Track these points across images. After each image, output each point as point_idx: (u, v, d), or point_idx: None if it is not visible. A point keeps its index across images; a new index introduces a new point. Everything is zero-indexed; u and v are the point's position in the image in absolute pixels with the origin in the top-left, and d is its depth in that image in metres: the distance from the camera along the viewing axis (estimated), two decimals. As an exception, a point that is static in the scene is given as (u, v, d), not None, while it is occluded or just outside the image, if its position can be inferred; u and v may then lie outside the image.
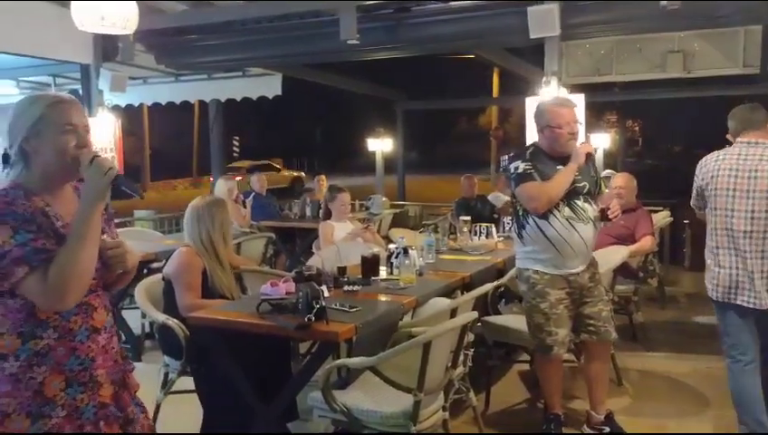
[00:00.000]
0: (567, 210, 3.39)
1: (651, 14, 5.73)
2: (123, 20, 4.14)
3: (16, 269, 1.67)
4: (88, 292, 1.82)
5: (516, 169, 3.43)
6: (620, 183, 5.23)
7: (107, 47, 6.60)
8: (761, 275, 3.12)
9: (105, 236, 1.90)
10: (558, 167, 3.42)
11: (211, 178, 11.68)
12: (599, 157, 9.38)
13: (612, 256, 4.32)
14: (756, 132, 3.23)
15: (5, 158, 1.84)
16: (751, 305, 3.16)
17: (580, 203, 3.43)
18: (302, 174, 28.01)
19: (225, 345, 3.06)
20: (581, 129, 3.84)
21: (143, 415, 2.00)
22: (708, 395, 4.22)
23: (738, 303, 3.20)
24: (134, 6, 4.23)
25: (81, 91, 7.09)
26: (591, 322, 3.53)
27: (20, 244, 1.68)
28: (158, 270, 3.69)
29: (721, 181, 3.24)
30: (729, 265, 3.22)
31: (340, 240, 5.04)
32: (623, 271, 4.73)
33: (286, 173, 27.33)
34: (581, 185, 3.44)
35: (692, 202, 3.50)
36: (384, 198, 9.93)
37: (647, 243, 5.05)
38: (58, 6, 5.91)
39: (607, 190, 3.94)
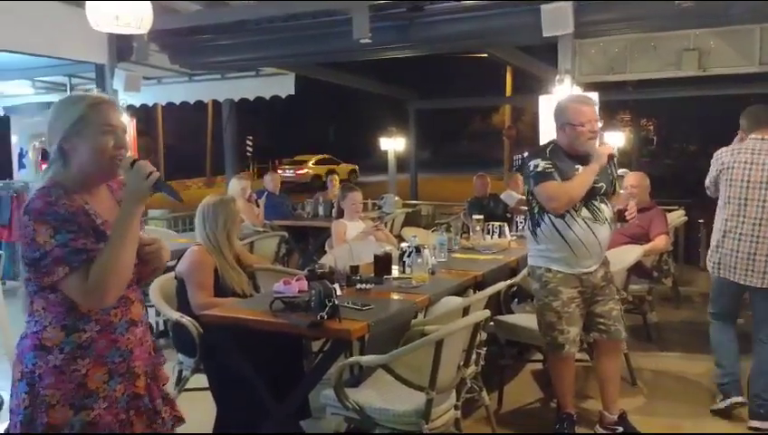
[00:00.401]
0: (584, 211, 3.37)
1: (665, 12, 5.70)
2: (137, 20, 4.18)
3: (57, 269, 1.72)
4: (126, 286, 1.88)
5: (536, 166, 3.39)
6: (633, 182, 5.20)
7: (121, 47, 6.64)
8: (763, 257, 3.56)
9: (142, 233, 1.95)
10: (576, 166, 3.40)
11: (225, 178, 11.73)
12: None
13: (626, 255, 4.30)
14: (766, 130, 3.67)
15: (45, 155, 1.87)
16: (748, 283, 3.62)
17: (596, 204, 3.41)
18: (356, 166, 30.25)
19: (238, 343, 3.07)
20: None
21: (169, 407, 2.05)
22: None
23: (735, 280, 3.67)
24: (148, 6, 4.26)
25: (96, 91, 7.15)
26: (602, 320, 3.52)
27: (60, 244, 1.72)
28: (172, 268, 3.71)
29: (736, 173, 3.65)
30: (733, 248, 3.65)
31: (353, 239, 5.05)
32: (637, 270, 4.71)
33: (344, 166, 29.47)
34: (599, 186, 3.42)
35: (706, 183, 3.90)
36: (396, 198, 9.93)
37: (661, 242, 5.02)
38: (73, 7, 5.95)
39: (622, 191, 3.93)
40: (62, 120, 1.85)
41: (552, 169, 3.35)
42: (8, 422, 1.86)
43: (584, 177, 3.35)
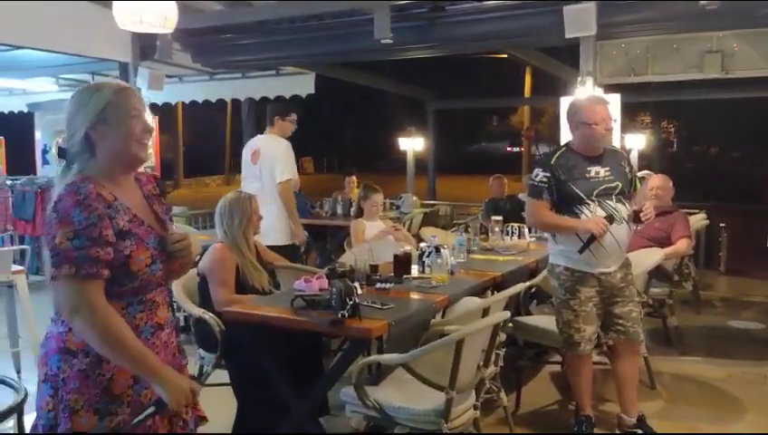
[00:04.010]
0: (599, 210, 3.37)
1: (689, 13, 5.64)
2: (162, 19, 4.22)
3: (63, 266, 1.69)
4: (152, 288, 1.87)
5: (535, 176, 3.48)
6: (657, 184, 5.17)
7: (145, 46, 6.72)
8: None
9: (173, 227, 1.95)
10: (589, 168, 3.41)
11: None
12: (633, 158, 9.25)
13: (648, 257, 4.28)
14: None
15: (62, 153, 1.86)
16: None
17: (612, 203, 3.40)
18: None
19: (258, 340, 3.10)
20: (616, 126, 3.82)
21: (191, 407, 2.00)
22: (744, 401, 4.15)
23: None
24: (174, 6, 4.31)
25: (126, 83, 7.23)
26: (621, 322, 3.51)
27: (76, 247, 1.70)
28: (194, 265, 3.75)
29: None
30: None
31: (372, 238, 5.07)
32: (658, 274, 4.68)
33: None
34: (613, 185, 3.42)
35: None
36: (414, 198, 9.92)
37: (682, 245, 4.99)
38: (99, 6, 6.04)
39: (641, 190, 3.91)
40: (86, 109, 1.81)
41: (546, 185, 3.42)
42: (35, 416, 1.85)
43: (564, 223, 3.43)
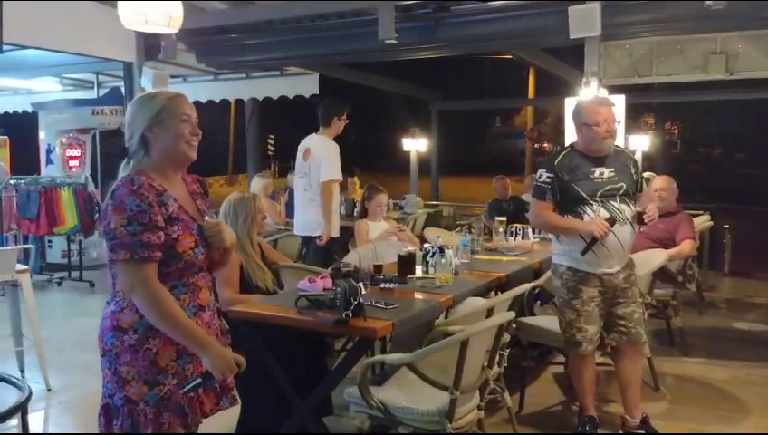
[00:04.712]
0: (602, 211, 3.37)
1: (694, 14, 5.63)
2: (168, 19, 4.23)
3: (120, 251, 1.91)
4: (195, 271, 2.07)
5: (539, 177, 3.50)
6: (661, 185, 5.15)
7: (149, 46, 6.73)
8: None
9: (206, 217, 2.12)
10: (593, 168, 3.41)
11: (246, 176, 11.82)
12: (637, 159, 9.26)
13: (651, 259, 4.27)
14: None
15: (124, 152, 2.06)
16: None
17: (616, 204, 3.40)
18: None
19: (262, 339, 3.10)
20: (620, 127, 3.82)
21: (230, 390, 2.21)
22: (748, 402, 4.14)
23: None
24: (179, 6, 4.31)
25: (123, 89, 7.25)
26: (623, 322, 3.51)
27: (129, 233, 1.90)
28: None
29: None
30: None
31: (376, 238, 5.07)
32: (662, 275, 4.66)
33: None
34: (617, 186, 3.42)
35: None
36: (418, 198, 9.93)
37: (686, 247, 4.97)
38: (103, 5, 6.05)
39: (647, 191, 3.91)
40: (143, 113, 2.04)
41: (549, 186, 3.43)
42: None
43: (566, 224, 3.44)
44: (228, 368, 2.00)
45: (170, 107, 2.06)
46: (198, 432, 2.13)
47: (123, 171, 2.04)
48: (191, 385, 1.99)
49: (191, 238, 2.02)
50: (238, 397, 2.26)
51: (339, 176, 5.30)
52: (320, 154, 5.23)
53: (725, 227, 8.13)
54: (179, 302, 2.00)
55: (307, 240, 5.42)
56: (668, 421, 3.79)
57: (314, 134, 5.42)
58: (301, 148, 5.43)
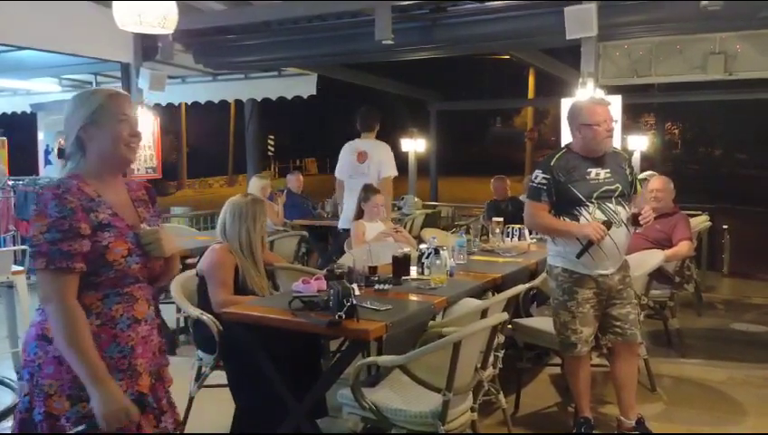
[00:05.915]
0: (598, 213, 3.36)
1: (691, 14, 5.61)
2: (162, 19, 4.22)
3: (38, 259, 1.80)
4: (131, 283, 1.93)
5: (535, 178, 3.48)
6: (657, 186, 5.14)
7: (147, 47, 6.72)
8: None
9: (144, 225, 1.99)
10: (589, 169, 3.40)
11: (246, 177, 11.82)
12: (635, 159, 9.23)
13: (648, 259, 4.26)
14: None
15: (61, 153, 1.96)
16: None
17: (611, 206, 3.39)
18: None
19: (257, 341, 3.10)
20: (617, 127, 3.81)
21: (172, 410, 2.06)
22: (745, 404, 4.13)
23: None
24: (173, 6, 4.30)
25: (121, 90, 7.23)
26: (618, 323, 3.50)
27: (48, 241, 1.80)
28: (193, 266, 3.75)
29: None
30: None
31: (372, 239, 5.06)
32: (659, 276, 4.65)
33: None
34: (613, 187, 3.41)
35: None
36: (416, 199, 9.92)
37: (684, 248, 4.96)
38: (100, 6, 6.04)
39: (642, 192, 3.89)
40: (80, 112, 1.93)
41: (545, 187, 3.42)
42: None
43: (561, 226, 3.42)
44: (116, 416, 1.79)
45: (107, 105, 1.94)
46: (191, 432, 2.10)
47: (60, 174, 1.94)
48: (74, 431, 1.80)
49: (124, 246, 1.88)
50: (180, 416, 2.10)
51: (395, 172, 6.05)
52: (378, 155, 5.93)
53: (725, 227, 8.12)
54: (112, 312, 1.88)
55: (345, 235, 5.73)
56: (665, 423, 3.78)
57: (359, 139, 6.11)
58: (351, 151, 6.04)
